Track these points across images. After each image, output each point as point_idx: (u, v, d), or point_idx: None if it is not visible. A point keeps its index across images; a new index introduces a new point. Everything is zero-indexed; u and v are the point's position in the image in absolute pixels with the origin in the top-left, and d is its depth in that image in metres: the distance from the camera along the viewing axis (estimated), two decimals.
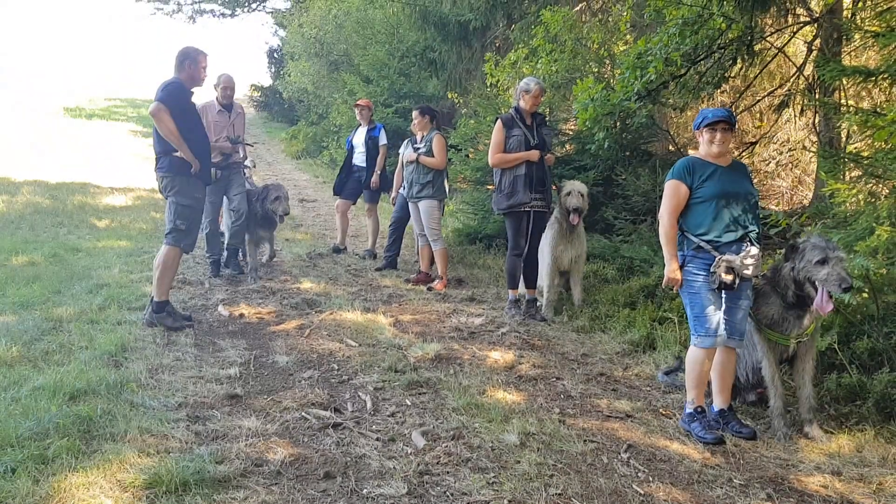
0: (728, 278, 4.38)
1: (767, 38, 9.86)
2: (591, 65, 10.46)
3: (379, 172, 9.50)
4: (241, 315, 6.49)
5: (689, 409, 4.57)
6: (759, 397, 5.02)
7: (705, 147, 4.59)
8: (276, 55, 30.61)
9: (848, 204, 6.54)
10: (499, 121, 6.84)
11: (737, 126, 5.67)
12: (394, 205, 9.09)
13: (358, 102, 9.97)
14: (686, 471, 3.95)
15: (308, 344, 5.76)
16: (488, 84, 11.43)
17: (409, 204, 8.33)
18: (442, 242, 8.16)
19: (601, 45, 10.69)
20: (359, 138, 9.65)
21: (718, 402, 4.66)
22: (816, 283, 4.38)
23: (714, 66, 9.16)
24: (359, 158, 9.60)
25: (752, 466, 4.07)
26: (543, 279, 7.13)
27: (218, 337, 5.85)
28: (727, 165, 4.62)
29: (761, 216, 4.99)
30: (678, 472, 3.92)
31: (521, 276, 7.00)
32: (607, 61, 10.70)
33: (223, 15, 34.68)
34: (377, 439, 4.09)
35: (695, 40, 8.19)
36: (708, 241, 4.48)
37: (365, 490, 3.50)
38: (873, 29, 6.63)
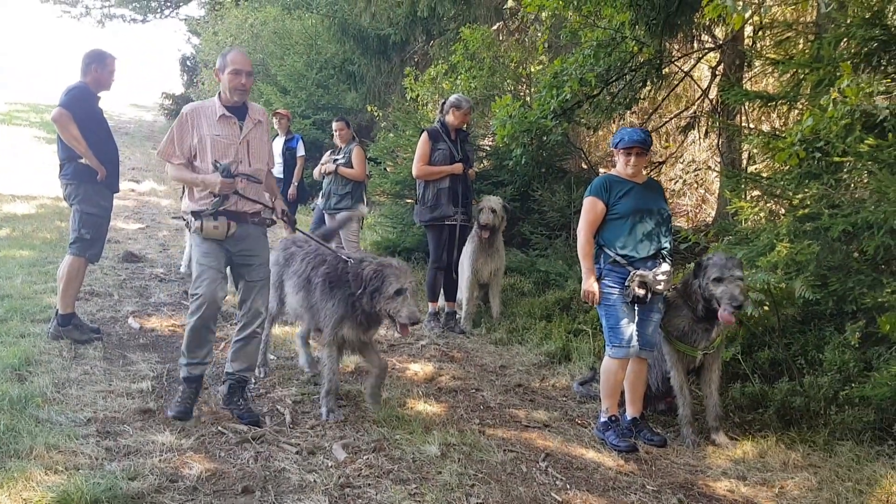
0: (641, 292, 4.55)
1: (675, 63, 10.30)
2: (509, 82, 10.67)
3: (296, 184, 9.40)
4: (153, 328, 6.28)
5: (603, 418, 4.71)
6: (669, 406, 5.21)
7: (621, 166, 4.77)
8: (188, 63, 29.89)
9: (750, 221, 6.90)
10: (425, 133, 6.90)
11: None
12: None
13: (277, 111, 9.85)
14: (601, 478, 4.06)
15: (224, 357, 5.62)
16: (408, 98, 11.49)
17: (326, 216, 8.27)
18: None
19: (519, 64, 10.93)
20: (276, 148, 9.52)
21: (631, 412, 4.82)
22: (715, 299, 4.62)
23: (625, 87, 9.51)
24: (275, 169, 9.44)
25: (663, 473, 4.23)
26: (463, 292, 7.20)
27: (128, 350, 5.64)
28: (642, 183, 4.81)
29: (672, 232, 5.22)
30: (594, 479, 4.04)
31: (441, 289, 7.06)
32: (524, 80, 10.94)
33: (134, 20, 33.55)
34: (297, 453, 4.03)
35: (608, 62, 8.49)
36: (623, 256, 4.64)
37: None
38: (773, 56, 7.04)
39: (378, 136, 12.40)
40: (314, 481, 3.68)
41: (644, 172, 4.99)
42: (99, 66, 5.88)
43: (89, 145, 5.67)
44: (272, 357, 5.71)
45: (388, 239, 10.33)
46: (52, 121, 5.74)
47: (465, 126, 7.18)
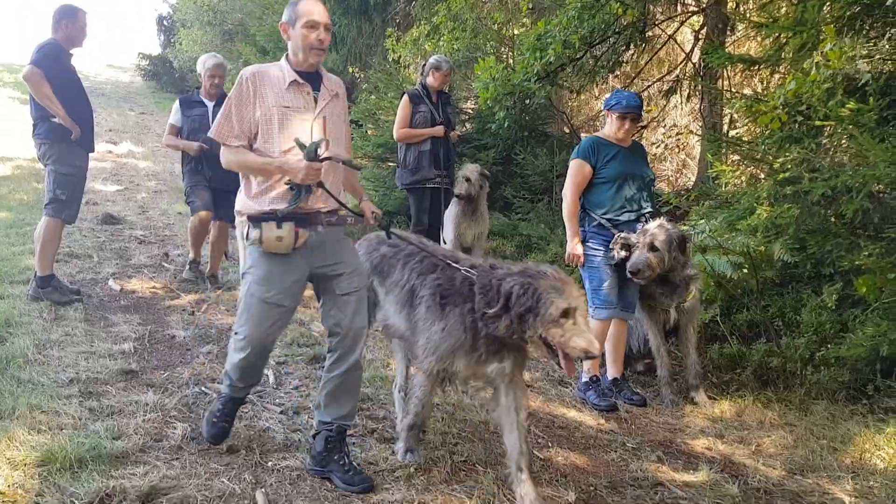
0: (624, 254, 4.59)
1: (659, 26, 10.24)
2: (492, 44, 10.58)
3: None
4: (134, 290, 6.24)
5: (584, 378, 4.77)
6: (648, 367, 5.29)
7: (611, 129, 4.76)
8: (165, 22, 29.27)
9: (731, 185, 6.94)
10: (405, 96, 6.84)
11: None
12: None
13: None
14: (582, 436, 4.13)
15: (206, 318, 5.62)
16: (390, 60, 11.36)
17: None
18: None
19: (502, 26, 10.83)
20: None
21: (612, 372, 4.89)
22: None
23: (609, 50, 9.47)
24: None
25: (642, 431, 4.30)
26: None
27: (109, 311, 5.60)
28: (628, 147, 4.82)
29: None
30: (575, 437, 4.10)
31: None
32: (508, 42, 10.84)
33: None
34: (281, 412, 4.06)
35: (592, 24, 8.41)
36: (608, 220, 4.66)
37: (270, 463, 3.47)
38: (756, 20, 7.01)
39: (359, 99, 12.26)
40: (299, 440, 3.71)
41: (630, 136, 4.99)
42: (70, 22, 5.72)
43: (62, 104, 5.56)
44: None
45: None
46: (23, 79, 5.62)
47: (446, 88, 7.12)
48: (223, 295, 6.26)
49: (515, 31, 10.91)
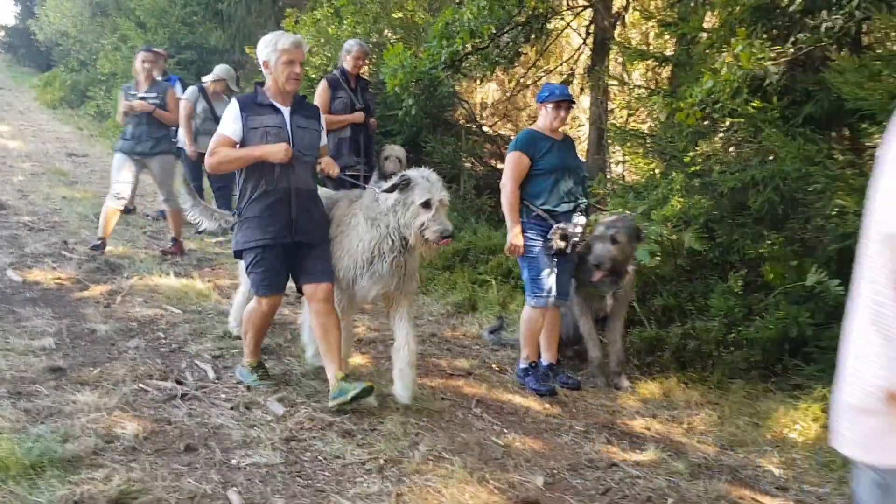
0: (562, 244, 4.74)
1: (563, 14, 10.50)
2: (398, 30, 10.51)
3: (174, 128, 8.84)
4: (37, 281, 5.80)
5: (523, 364, 4.90)
6: (577, 353, 5.50)
7: (546, 121, 4.88)
8: None
9: (640, 176, 7.29)
10: (324, 81, 6.70)
11: (526, 101, 6.01)
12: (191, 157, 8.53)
13: (154, 50, 9.17)
14: (532, 421, 4.26)
15: (124, 311, 5.32)
16: None
17: (132, 160, 7.05)
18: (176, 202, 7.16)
19: (405, 13, 10.78)
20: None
21: (547, 357, 5.05)
22: None
23: (511, 41, 9.66)
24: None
25: (585, 414, 4.49)
26: None
27: (15, 305, 5.18)
28: (561, 140, 4.96)
29: None
30: (526, 422, 4.22)
31: None
32: (414, 29, 10.81)
33: None
34: (232, 408, 3.93)
35: (499, 14, 8.55)
36: (546, 210, 4.79)
37: (234, 461, 3.37)
38: (662, 18, 7.37)
39: (255, 80, 11.85)
40: (258, 436, 3.61)
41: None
42: None
43: None
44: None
45: None
46: None
47: (362, 73, 7.04)
48: (137, 285, 5.94)
49: (417, 19, 10.89)
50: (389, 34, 10.85)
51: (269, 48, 3.95)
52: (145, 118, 7.04)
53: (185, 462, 3.31)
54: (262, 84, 4.10)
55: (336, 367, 3.99)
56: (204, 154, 8.16)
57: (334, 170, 4.33)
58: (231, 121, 3.97)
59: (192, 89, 8.48)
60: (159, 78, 8.88)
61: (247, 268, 4.14)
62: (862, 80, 4.81)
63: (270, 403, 4.01)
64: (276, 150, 3.87)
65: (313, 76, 9.73)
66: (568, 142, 5.10)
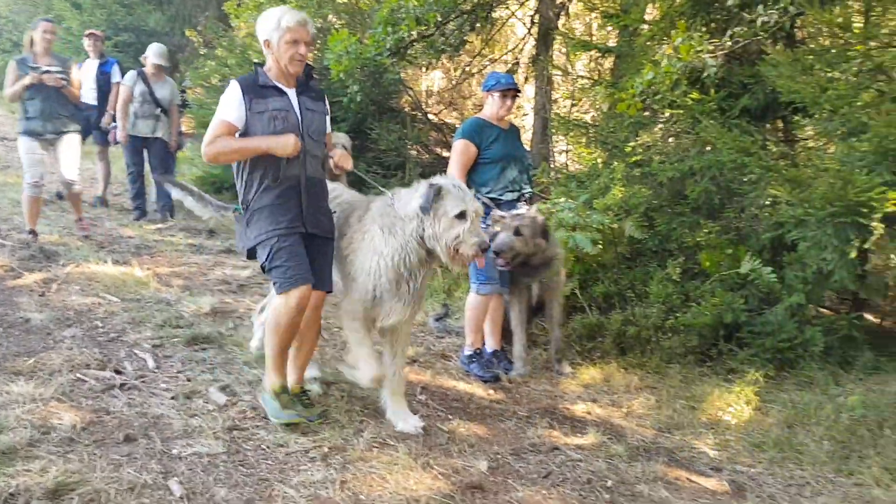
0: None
1: (508, 3, 10.54)
2: (343, 15, 10.41)
3: (112, 112, 8.62)
4: None
5: (468, 351, 4.94)
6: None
7: (493, 109, 4.90)
8: None
9: (583, 165, 7.39)
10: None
11: (471, 90, 6.01)
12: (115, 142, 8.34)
13: (91, 32, 8.89)
14: (477, 407, 4.31)
15: (60, 300, 5.17)
16: (233, 26, 10.86)
17: (39, 141, 6.77)
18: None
19: None
20: (87, 73, 8.63)
21: (491, 344, 5.10)
22: None
23: (456, 29, 9.66)
24: (87, 96, 8.58)
25: (528, 399, 4.56)
26: None
27: None
28: (507, 129, 5.00)
29: None
30: (471, 409, 4.27)
31: None
32: (358, 15, 10.72)
33: None
34: (172, 398, 3.86)
35: (445, 2, 8.55)
36: (491, 199, 4.83)
37: (175, 450, 3.32)
38: (607, 9, 7.47)
39: (198, 63, 11.61)
40: (200, 426, 3.57)
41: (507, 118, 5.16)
42: None
43: None
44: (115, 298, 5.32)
45: (212, 174, 9.87)
46: None
47: (309, 59, 6.95)
48: (73, 273, 5.78)
49: (362, 5, 10.80)
50: (334, 19, 10.74)
51: (271, 26, 3.57)
52: (53, 94, 6.54)
53: (124, 453, 3.25)
54: (261, 65, 3.70)
55: (298, 376, 3.85)
56: (143, 138, 8.13)
57: (348, 163, 3.89)
58: (232, 105, 3.54)
59: (131, 73, 8.26)
60: (97, 61, 8.65)
61: (264, 264, 3.62)
62: (795, 73, 4.97)
63: (212, 393, 3.96)
64: (284, 143, 3.47)
65: (255, 60, 9.55)
66: (514, 131, 5.15)
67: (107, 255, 6.39)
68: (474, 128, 4.87)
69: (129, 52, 13.60)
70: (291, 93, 3.67)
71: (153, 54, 8.19)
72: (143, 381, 4.04)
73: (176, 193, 4.51)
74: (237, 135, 3.56)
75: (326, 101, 3.92)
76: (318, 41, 9.93)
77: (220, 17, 13.05)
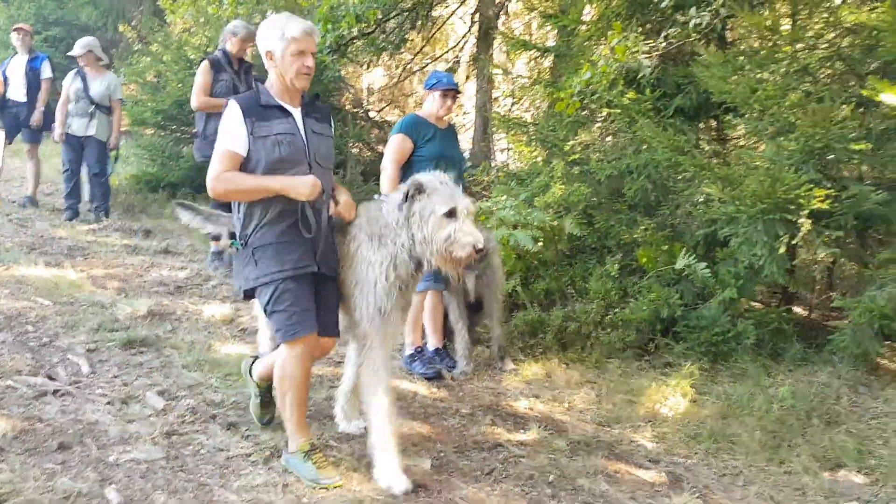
0: None
1: (448, 1, 10.58)
2: (280, 12, 10.26)
3: (42, 109, 8.34)
4: None
5: (408, 350, 4.95)
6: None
7: (432, 108, 4.92)
8: None
9: (524, 163, 7.47)
10: (206, 61, 6.48)
11: (412, 87, 6.10)
12: (58, 141, 8.09)
13: (19, 26, 8.57)
14: (420, 406, 4.32)
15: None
16: (168, 21, 10.63)
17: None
18: None
19: None
20: (16, 69, 8.33)
21: (433, 342, 5.12)
22: None
23: (397, 27, 9.67)
24: (16, 92, 8.28)
25: (471, 397, 4.59)
26: None
27: None
28: (445, 129, 5.02)
29: None
30: (414, 407, 4.28)
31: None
32: (298, 12, 10.60)
33: None
34: (108, 403, 3.77)
35: (385, 0, 8.54)
36: None
37: (111, 457, 3.24)
38: (544, 10, 7.58)
39: (132, 59, 11.33)
40: (137, 431, 3.49)
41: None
42: None
43: None
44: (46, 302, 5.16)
45: (148, 173, 9.67)
46: None
47: (247, 55, 6.87)
48: (2, 275, 5.58)
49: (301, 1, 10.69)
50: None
51: (274, 35, 3.18)
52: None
53: (58, 461, 3.16)
54: (261, 80, 3.32)
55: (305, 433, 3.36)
56: (78, 136, 7.87)
57: (351, 213, 3.41)
58: (234, 131, 3.15)
59: (71, 74, 8.01)
60: (26, 56, 8.36)
61: (266, 308, 3.26)
62: (726, 74, 5.12)
63: (150, 397, 3.88)
64: (301, 185, 3.11)
65: (192, 56, 9.39)
66: (451, 131, 5.17)
67: (38, 257, 6.19)
68: (412, 124, 4.88)
69: (60, 48, 13.18)
70: (297, 113, 3.27)
71: (80, 46, 7.94)
72: (77, 387, 3.93)
73: (185, 217, 3.96)
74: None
75: (332, 123, 3.58)
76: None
77: (154, 12, 12.79)
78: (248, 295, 3.36)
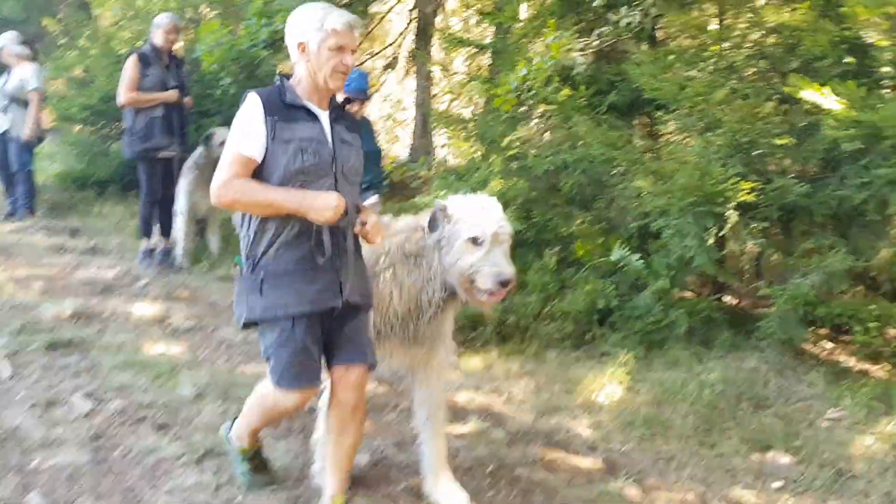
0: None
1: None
2: (213, 6, 10.08)
3: None
4: None
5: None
6: None
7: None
8: None
9: (462, 159, 7.49)
10: (134, 55, 6.28)
11: None
12: None
13: None
14: None
15: None
16: (93, 14, 10.31)
17: None
18: None
19: None
20: None
21: None
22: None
23: None
24: None
25: (410, 392, 4.56)
26: (179, 228, 6.81)
27: None
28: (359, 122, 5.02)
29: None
30: None
31: (156, 225, 6.64)
32: (231, 6, 10.40)
33: None
34: (31, 407, 3.63)
35: None
36: None
37: (34, 463, 3.13)
38: (480, 9, 7.62)
39: (57, 54, 10.93)
40: (62, 435, 3.37)
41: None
42: None
43: None
44: None
45: (75, 169, 9.34)
46: None
47: (175, 49, 6.71)
48: None
49: None
50: (206, 10, 10.39)
51: (310, 26, 2.69)
52: None
53: None
54: (287, 76, 2.82)
55: (339, 483, 2.93)
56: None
57: (378, 236, 2.86)
58: (252, 131, 2.64)
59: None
60: None
61: (266, 346, 2.78)
62: (656, 72, 5.24)
63: (76, 400, 3.75)
64: (323, 205, 2.59)
65: (121, 51, 9.12)
66: (365, 124, 5.18)
67: None
68: None
69: None
70: (324, 117, 2.79)
71: (7, 41, 7.66)
72: None
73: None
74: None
75: (364, 132, 3.25)
76: (190, 32, 9.59)
77: (80, 5, 12.39)
78: (248, 325, 2.84)
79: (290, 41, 2.76)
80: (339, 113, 2.87)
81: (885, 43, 4.78)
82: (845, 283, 4.85)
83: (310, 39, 2.68)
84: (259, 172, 2.67)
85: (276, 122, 2.65)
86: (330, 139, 2.77)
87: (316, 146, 2.70)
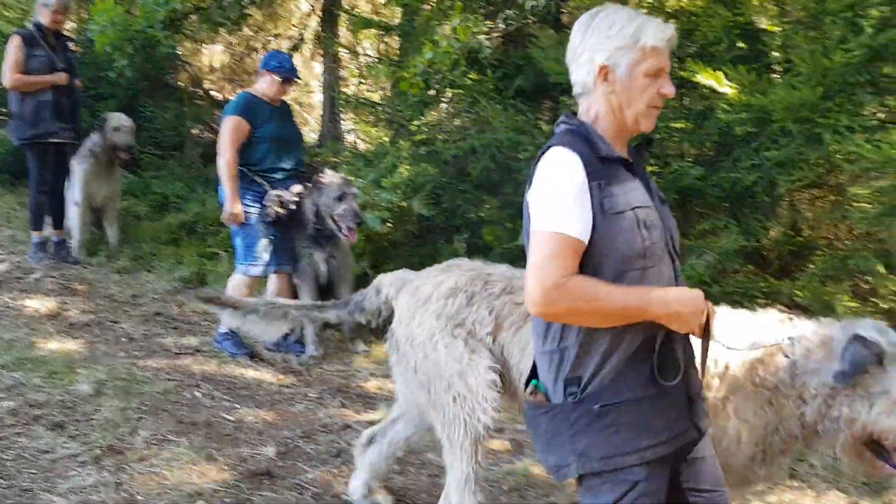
0: (281, 211, 4.72)
1: None
2: None
3: None
4: None
5: (223, 329, 4.75)
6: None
7: (269, 90, 4.79)
8: None
9: (371, 143, 7.43)
10: (16, 36, 5.93)
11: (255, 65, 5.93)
12: None
13: None
14: (266, 393, 4.22)
15: None
16: None
17: None
18: None
19: None
20: None
21: None
22: (335, 217, 4.88)
23: (235, 2, 9.28)
24: None
25: (319, 381, 4.53)
26: (73, 219, 6.49)
27: None
28: (279, 106, 4.92)
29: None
30: (259, 395, 4.17)
31: (47, 216, 6.31)
32: None
33: None
34: None
35: None
36: (263, 177, 4.73)
37: None
38: None
39: None
40: None
41: None
42: None
43: None
44: None
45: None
46: None
47: (63, 29, 6.39)
48: None
49: None
50: None
51: (617, 42, 1.86)
52: None
53: None
54: (573, 115, 1.98)
55: None
56: None
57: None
58: (570, 199, 1.79)
59: None
60: None
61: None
62: (561, 56, 5.27)
63: None
64: (690, 309, 1.81)
65: (6, 32, 8.58)
66: (285, 108, 5.09)
67: None
68: (246, 104, 4.73)
69: None
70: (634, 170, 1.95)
71: None
72: None
73: (230, 320, 3.12)
74: None
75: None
76: (82, 11, 9.13)
77: None
78: (563, 471, 1.88)
79: (583, 59, 1.93)
80: (637, 157, 2.01)
81: (775, 28, 4.98)
82: (737, 263, 5.05)
83: (617, 62, 1.87)
84: (584, 261, 1.81)
85: (601, 188, 1.81)
86: (650, 199, 1.92)
87: (653, 216, 1.87)
